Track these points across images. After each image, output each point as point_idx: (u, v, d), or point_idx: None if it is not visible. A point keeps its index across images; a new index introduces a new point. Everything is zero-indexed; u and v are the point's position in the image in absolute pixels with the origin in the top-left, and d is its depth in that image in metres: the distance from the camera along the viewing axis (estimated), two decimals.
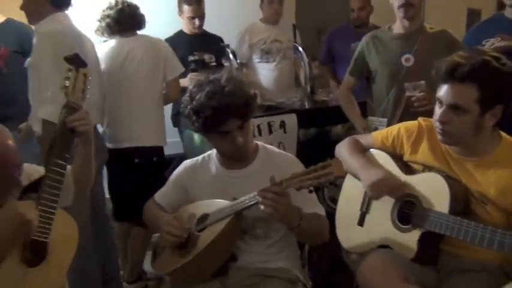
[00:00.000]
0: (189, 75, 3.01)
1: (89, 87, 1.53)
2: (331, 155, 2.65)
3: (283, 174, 1.52)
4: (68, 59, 1.51)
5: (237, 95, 1.53)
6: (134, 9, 2.58)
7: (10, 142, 1.35)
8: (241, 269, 1.61)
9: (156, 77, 2.62)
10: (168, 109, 3.27)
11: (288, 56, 3.42)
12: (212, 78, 1.57)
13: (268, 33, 3.36)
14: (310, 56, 3.20)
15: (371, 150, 1.79)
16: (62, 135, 1.46)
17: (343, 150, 1.83)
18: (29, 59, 2.15)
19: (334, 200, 2.45)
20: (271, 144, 1.83)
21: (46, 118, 1.99)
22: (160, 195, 1.77)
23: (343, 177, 1.42)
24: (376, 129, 2.26)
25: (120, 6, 2.54)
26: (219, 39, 3.32)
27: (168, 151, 3.77)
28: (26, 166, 1.48)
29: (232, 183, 1.64)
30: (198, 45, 3.19)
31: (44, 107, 2.02)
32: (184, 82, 3.05)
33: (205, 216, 1.58)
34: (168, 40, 3.19)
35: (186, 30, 3.25)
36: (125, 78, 2.52)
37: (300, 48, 3.08)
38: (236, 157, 1.63)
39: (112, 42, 2.57)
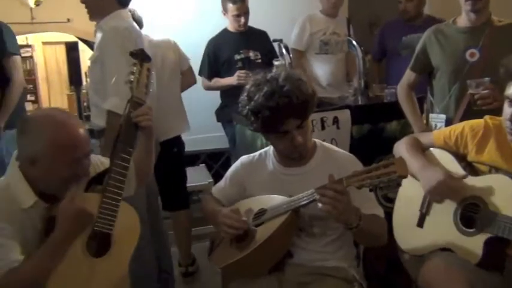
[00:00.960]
0: (237, 73, 3.03)
1: (152, 81, 1.57)
2: (385, 152, 2.60)
3: (342, 172, 1.49)
4: (133, 54, 1.55)
5: (296, 94, 1.50)
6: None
7: (81, 130, 1.39)
8: (298, 265, 1.60)
9: (177, 72, 2.89)
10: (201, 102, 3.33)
11: (343, 50, 3.38)
12: (270, 78, 1.56)
13: (327, 25, 3.33)
14: (363, 50, 3.14)
15: (432, 149, 1.73)
16: (126, 129, 1.50)
17: (402, 149, 1.78)
18: (92, 54, 2.22)
19: (388, 199, 2.40)
20: (323, 140, 1.81)
21: (112, 109, 2.04)
22: (217, 190, 1.79)
23: (405, 177, 1.37)
24: (435, 126, 2.18)
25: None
26: (264, 34, 3.31)
27: (212, 145, 3.85)
28: (92, 157, 1.52)
29: (289, 180, 1.63)
30: (243, 43, 3.21)
31: (109, 99, 2.08)
32: (230, 80, 3.08)
33: (262, 212, 1.58)
34: (213, 40, 3.24)
35: (231, 29, 3.25)
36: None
37: (354, 42, 3.01)
38: (295, 156, 1.62)
39: None
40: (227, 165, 3.82)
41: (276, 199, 1.58)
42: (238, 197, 1.71)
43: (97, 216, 1.41)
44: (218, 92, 3.35)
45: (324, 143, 1.73)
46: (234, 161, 3.30)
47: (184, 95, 3.20)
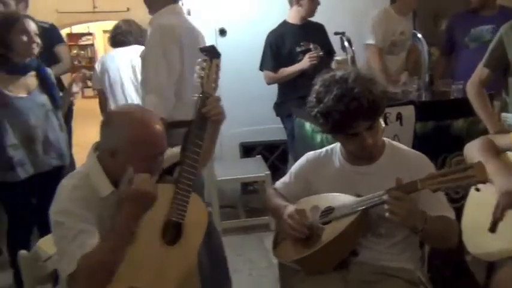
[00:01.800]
0: (307, 55, 3.03)
1: (220, 77, 1.59)
2: (450, 151, 2.53)
3: (412, 173, 1.46)
4: (203, 50, 1.59)
5: (366, 96, 1.47)
6: None
7: (159, 128, 1.44)
8: (363, 264, 1.59)
9: None
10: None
11: (406, 48, 3.29)
12: (339, 78, 1.53)
13: (397, 25, 3.25)
14: (428, 43, 3.04)
15: (508, 153, 1.66)
16: (197, 123, 1.53)
17: (474, 150, 1.72)
18: (142, 50, 2.30)
19: (453, 200, 2.33)
20: (386, 137, 1.77)
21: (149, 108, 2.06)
22: (281, 185, 1.80)
23: (484, 183, 1.32)
24: (508, 126, 2.09)
25: None
26: (322, 27, 3.28)
27: (269, 137, 3.88)
28: None
29: (356, 179, 1.62)
30: (303, 35, 3.19)
31: (147, 97, 2.14)
32: (300, 65, 3.07)
33: (330, 210, 1.58)
34: (273, 32, 3.24)
35: (292, 20, 3.23)
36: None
37: (419, 35, 2.92)
38: (364, 157, 1.60)
39: None
40: (283, 157, 3.88)
41: (344, 198, 1.57)
42: (302, 193, 1.72)
43: (170, 206, 1.47)
44: (274, 88, 3.36)
45: (393, 142, 1.69)
46: (292, 155, 3.35)
47: (243, 87, 3.26)
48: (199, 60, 1.57)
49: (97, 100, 3.59)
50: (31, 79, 2.46)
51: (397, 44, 3.27)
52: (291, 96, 3.16)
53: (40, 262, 1.63)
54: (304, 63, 3.05)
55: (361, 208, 1.50)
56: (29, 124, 2.39)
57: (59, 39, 3.48)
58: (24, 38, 2.34)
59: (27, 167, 2.41)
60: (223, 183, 3.45)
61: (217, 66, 1.57)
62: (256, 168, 3.51)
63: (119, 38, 3.41)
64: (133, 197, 1.37)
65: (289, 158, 3.50)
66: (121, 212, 1.37)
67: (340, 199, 1.58)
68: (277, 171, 3.80)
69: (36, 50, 2.39)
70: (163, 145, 1.47)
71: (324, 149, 1.76)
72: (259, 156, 3.75)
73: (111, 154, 1.42)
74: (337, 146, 1.72)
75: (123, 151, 1.41)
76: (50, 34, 3.18)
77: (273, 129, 3.81)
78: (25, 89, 2.42)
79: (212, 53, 1.57)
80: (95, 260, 1.31)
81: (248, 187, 3.92)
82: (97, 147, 1.50)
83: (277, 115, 3.38)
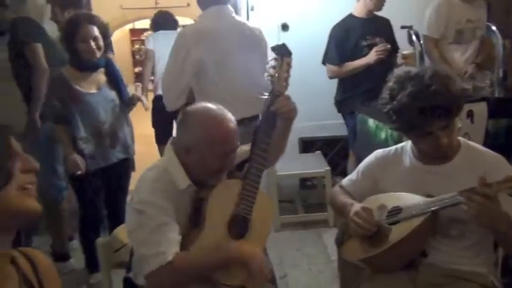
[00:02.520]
0: (375, 48, 2.97)
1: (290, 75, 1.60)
2: None
3: (489, 175, 1.40)
4: (274, 48, 1.59)
5: (443, 95, 1.42)
6: None
7: (233, 127, 1.47)
8: (432, 266, 1.55)
9: None
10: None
11: (477, 37, 3.12)
12: (414, 75, 1.49)
13: (463, 12, 3.09)
14: (503, 35, 2.88)
15: None
16: (266, 120, 1.55)
17: None
18: None
19: None
20: None
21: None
22: (347, 182, 1.78)
23: None
24: None
25: None
26: (388, 22, 3.19)
27: (328, 132, 3.84)
28: None
29: (428, 179, 1.57)
30: (369, 29, 3.12)
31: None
32: (366, 59, 3.01)
33: (397, 210, 1.55)
34: (338, 25, 3.19)
35: (358, 14, 3.16)
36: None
37: (494, 28, 2.77)
38: (437, 156, 1.55)
39: None
40: (343, 153, 3.83)
41: (413, 198, 1.53)
42: (369, 191, 1.69)
43: (238, 201, 1.50)
44: (336, 82, 3.32)
45: (469, 142, 1.62)
46: (354, 152, 3.29)
47: (303, 81, 3.22)
48: (270, 58, 1.59)
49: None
50: (100, 76, 2.58)
51: (464, 33, 3.09)
52: (353, 92, 3.11)
53: (115, 249, 1.72)
54: (371, 57, 2.98)
55: (433, 209, 1.46)
56: (99, 119, 2.51)
57: None
58: (85, 46, 2.44)
59: (97, 160, 2.54)
60: (282, 178, 3.45)
61: (289, 65, 1.57)
62: (315, 164, 3.49)
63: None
64: (258, 265, 1.39)
65: (349, 155, 3.44)
66: (222, 255, 1.40)
67: (409, 199, 1.54)
68: (336, 167, 3.77)
69: (98, 53, 2.48)
70: (236, 143, 1.50)
71: (393, 147, 1.72)
72: (319, 151, 3.73)
73: (186, 151, 1.47)
74: (407, 144, 1.67)
75: (197, 149, 1.45)
76: None
77: (333, 124, 3.76)
78: (95, 85, 2.54)
79: (283, 52, 1.57)
80: (187, 266, 1.37)
81: (306, 182, 3.91)
82: (174, 141, 1.55)
83: (339, 111, 3.34)
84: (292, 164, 3.39)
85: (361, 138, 3.01)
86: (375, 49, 2.95)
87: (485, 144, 2.30)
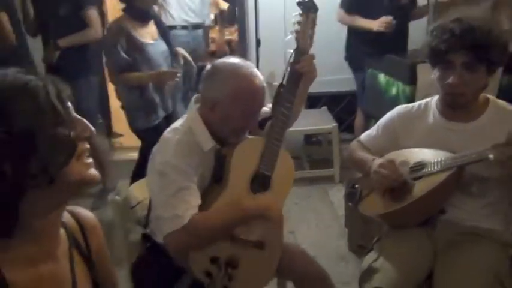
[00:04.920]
0: (381, 19, 2.83)
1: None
2: None
3: None
4: (300, 3, 1.51)
5: (481, 30, 1.42)
6: None
7: (261, 84, 1.43)
8: (450, 223, 1.55)
9: None
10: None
11: None
12: (456, 18, 1.47)
13: None
14: None
15: None
16: (290, 78, 1.50)
17: None
18: None
19: None
20: None
21: None
22: (367, 137, 1.75)
23: None
24: None
25: None
26: None
27: (334, 88, 3.77)
28: None
29: (452, 136, 1.54)
30: None
31: None
32: (370, 24, 2.90)
33: (421, 165, 1.53)
34: None
35: None
36: None
37: None
38: (447, 100, 1.53)
39: None
40: (349, 109, 3.78)
41: (436, 154, 1.51)
42: (389, 147, 1.67)
43: (260, 159, 1.47)
44: (342, 36, 3.21)
45: (498, 100, 1.59)
46: (361, 107, 3.24)
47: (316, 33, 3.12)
48: (295, 14, 1.51)
49: None
50: (153, 27, 2.57)
51: None
52: (365, 47, 3.01)
53: (131, 206, 1.70)
54: (374, 25, 2.86)
55: (457, 164, 1.44)
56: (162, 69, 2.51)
57: (86, 2, 2.86)
58: None
59: (163, 109, 2.58)
60: (288, 134, 3.39)
61: (314, 22, 1.51)
62: (322, 120, 3.45)
63: None
64: (277, 216, 1.44)
65: (357, 110, 3.39)
66: (253, 209, 1.42)
67: (432, 154, 1.52)
68: (342, 123, 3.73)
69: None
70: (263, 102, 1.46)
71: (416, 103, 1.68)
72: (325, 107, 3.67)
73: (211, 107, 1.43)
74: (432, 100, 1.64)
75: (224, 105, 1.41)
76: None
77: (338, 80, 3.70)
78: (150, 36, 2.53)
79: (308, 7, 1.50)
80: (203, 226, 1.36)
81: (311, 138, 3.89)
82: (197, 99, 1.50)
83: (350, 66, 3.26)
84: (299, 120, 3.30)
85: (370, 94, 2.96)
86: (383, 19, 2.81)
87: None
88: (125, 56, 2.41)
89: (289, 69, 1.49)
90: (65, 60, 2.81)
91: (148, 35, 2.53)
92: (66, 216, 0.93)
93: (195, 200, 1.38)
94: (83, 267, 0.93)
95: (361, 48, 3.05)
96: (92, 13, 2.82)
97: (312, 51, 1.52)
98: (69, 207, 0.95)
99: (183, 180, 1.36)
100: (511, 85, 2.44)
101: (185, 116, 1.50)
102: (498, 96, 2.28)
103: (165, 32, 2.65)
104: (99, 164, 3.16)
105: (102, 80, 3.48)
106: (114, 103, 3.19)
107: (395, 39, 2.89)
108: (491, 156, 1.34)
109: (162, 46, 2.58)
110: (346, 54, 3.23)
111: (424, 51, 1.55)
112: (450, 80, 1.46)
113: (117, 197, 1.65)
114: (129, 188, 1.74)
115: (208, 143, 1.43)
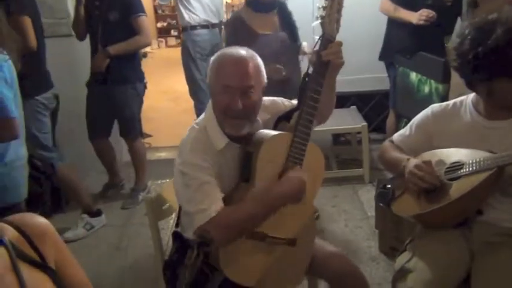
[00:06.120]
0: (421, 11, 2.74)
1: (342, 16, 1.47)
2: None
3: None
4: None
5: None
6: None
7: (247, 61, 1.40)
8: (486, 224, 1.51)
9: None
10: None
11: None
12: (495, 19, 1.40)
13: None
14: None
15: None
16: (317, 67, 1.45)
17: None
18: None
19: None
20: None
21: None
22: (400, 137, 1.72)
23: None
24: None
25: None
26: None
27: (363, 87, 3.72)
28: (266, 100, 1.55)
29: (490, 134, 1.50)
30: None
31: None
32: (410, 17, 2.80)
33: (458, 165, 1.49)
34: None
35: None
36: None
37: None
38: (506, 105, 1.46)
39: None
40: (379, 108, 3.72)
41: (474, 153, 1.47)
42: (422, 147, 1.63)
43: (288, 153, 1.44)
44: (372, 34, 3.14)
45: None
46: (392, 105, 3.18)
47: (345, 32, 3.08)
48: None
49: (179, 49, 3.91)
50: (275, 17, 2.57)
51: None
52: (395, 45, 2.96)
53: (163, 205, 1.73)
54: (415, 18, 2.75)
55: (498, 164, 1.39)
56: (278, 60, 2.46)
57: (137, 9, 2.93)
58: None
59: None
60: (316, 134, 3.37)
61: (339, 4, 1.45)
62: (351, 119, 3.41)
63: None
64: (297, 187, 1.42)
65: (390, 111, 3.32)
66: (278, 189, 1.40)
67: (469, 154, 1.48)
68: (371, 123, 3.68)
69: None
70: (247, 81, 1.38)
71: (451, 102, 1.64)
72: (354, 106, 3.63)
73: (211, 96, 1.45)
74: (468, 98, 1.59)
75: (211, 86, 1.43)
76: (128, 2, 2.90)
77: (367, 79, 3.65)
78: (270, 27, 2.55)
79: None
80: (231, 218, 1.35)
81: (340, 138, 3.85)
82: None
83: (382, 60, 3.16)
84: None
85: (401, 93, 2.91)
86: (423, 12, 2.71)
87: None
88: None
89: (315, 57, 1.45)
90: (115, 68, 2.86)
91: (268, 25, 2.54)
92: (6, 229, 0.88)
93: (218, 193, 1.38)
94: (40, 276, 0.89)
95: (395, 43, 2.97)
96: (143, 20, 2.87)
97: (342, 49, 1.47)
98: (15, 217, 0.91)
99: (203, 176, 1.37)
100: None
101: (203, 115, 1.51)
102: None
103: (288, 22, 2.60)
104: (138, 166, 3.22)
105: None
106: (144, 103, 3.23)
107: (433, 36, 2.79)
108: None
109: (282, 36, 2.55)
110: (382, 49, 3.13)
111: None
112: None
113: (149, 195, 1.67)
114: (159, 189, 1.75)
115: (220, 142, 1.43)
